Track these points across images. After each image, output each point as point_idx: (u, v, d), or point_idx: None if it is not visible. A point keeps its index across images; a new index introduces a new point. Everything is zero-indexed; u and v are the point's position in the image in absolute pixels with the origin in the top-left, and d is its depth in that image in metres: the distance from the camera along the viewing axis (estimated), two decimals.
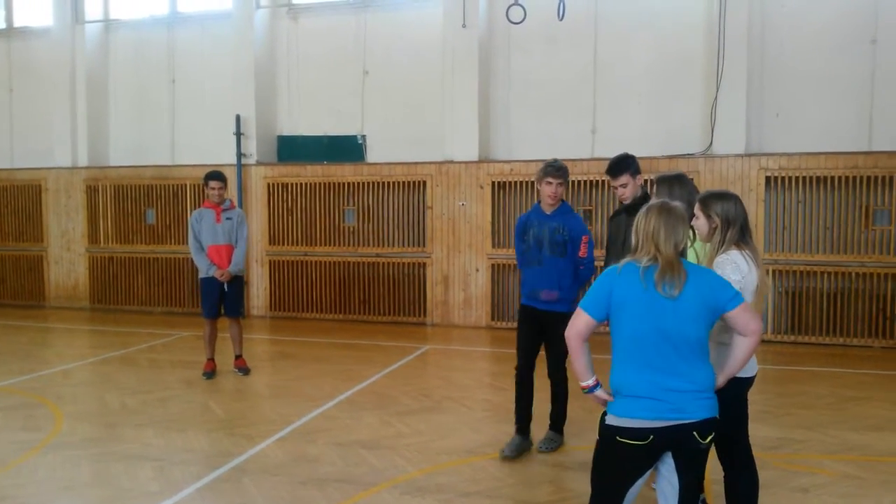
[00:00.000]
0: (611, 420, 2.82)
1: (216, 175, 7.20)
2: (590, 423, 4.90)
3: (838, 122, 9.26)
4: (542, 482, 4.40)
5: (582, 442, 5.07)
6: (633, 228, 2.88)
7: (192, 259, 7.36)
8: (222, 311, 7.30)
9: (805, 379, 7.29)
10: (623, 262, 2.88)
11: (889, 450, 5.08)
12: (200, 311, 7.41)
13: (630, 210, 4.71)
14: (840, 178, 8.85)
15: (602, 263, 4.46)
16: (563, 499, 4.25)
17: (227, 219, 7.16)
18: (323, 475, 4.63)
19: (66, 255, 12.31)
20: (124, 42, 12.40)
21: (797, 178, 9.01)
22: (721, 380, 3.02)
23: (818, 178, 8.89)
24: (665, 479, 2.88)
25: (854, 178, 8.81)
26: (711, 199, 3.33)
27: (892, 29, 9.10)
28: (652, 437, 2.73)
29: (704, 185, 9.26)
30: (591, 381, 2.92)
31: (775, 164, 9.08)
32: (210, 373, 7.22)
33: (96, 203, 12.09)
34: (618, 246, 4.69)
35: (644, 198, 4.76)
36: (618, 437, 2.78)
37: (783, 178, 9.05)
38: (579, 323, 2.87)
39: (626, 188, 4.70)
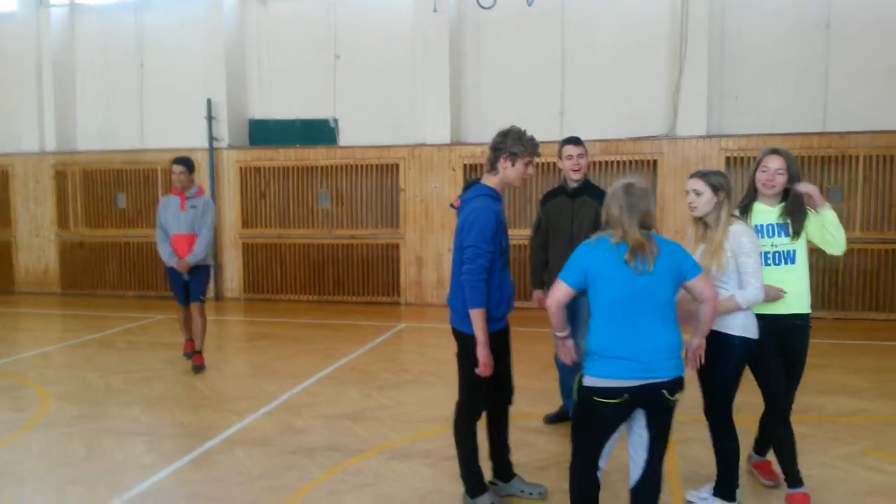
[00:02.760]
0: (588, 381, 3.05)
1: (180, 160, 6.85)
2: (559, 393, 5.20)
3: (794, 104, 9.69)
4: (521, 446, 4.67)
5: (555, 409, 5.35)
6: (603, 209, 3.12)
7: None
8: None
9: None
10: (595, 235, 3.13)
11: (839, 411, 5.48)
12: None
13: (573, 194, 4.90)
14: (795, 158, 9.25)
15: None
16: (539, 459, 4.55)
17: (192, 207, 6.81)
18: (311, 444, 4.85)
19: (36, 241, 12.23)
20: (91, 26, 12.27)
21: (755, 158, 9.37)
22: (697, 341, 3.36)
23: None
24: (636, 434, 3.17)
25: (809, 157, 9.25)
26: (713, 175, 3.60)
27: (844, 14, 9.53)
28: (626, 395, 2.99)
29: (668, 165, 9.62)
30: (566, 332, 3.34)
31: (735, 145, 9.48)
32: (190, 353, 7.12)
33: (65, 188, 12.02)
34: (564, 229, 4.83)
35: (587, 184, 4.95)
36: (595, 398, 3.03)
37: (742, 159, 9.44)
38: (558, 293, 3.13)
39: (583, 159, 4.88)
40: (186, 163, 6.84)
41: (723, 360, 3.54)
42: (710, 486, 3.81)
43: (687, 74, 9.61)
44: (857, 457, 4.54)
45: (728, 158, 9.48)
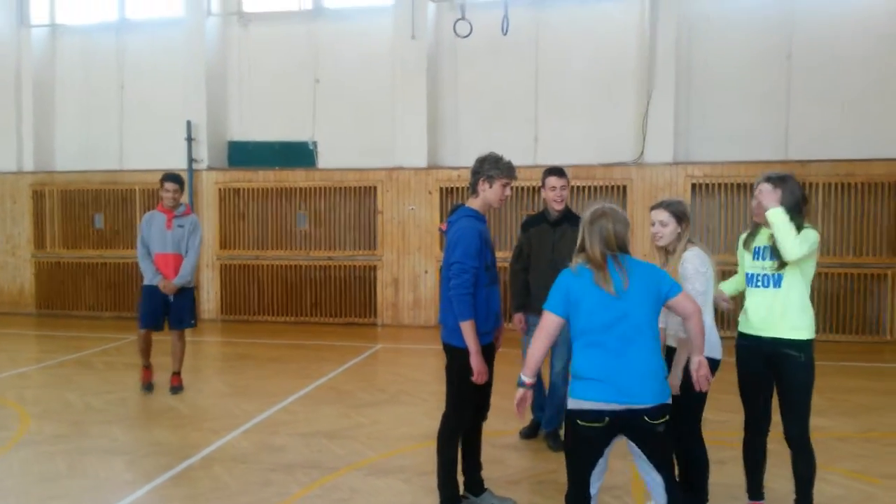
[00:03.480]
0: (571, 404, 3.07)
1: (172, 177, 6.67)
2: None
3: (757, 132, 10.09)
4: (493, 461, 4.83)
5: (517, 426, 5.53)
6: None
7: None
8: (165, 323, 6.78)
9: (727, 367, 7.97)
10: (576, 262, 3.18)
11: None
12: (137, 321, 6.81)
13: (555, 223, 5.13)
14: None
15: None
16: (510, 474, 4.72)
17: (179, 226, 6.65)
18: (290, 462, 4.98)
19: (11, 261, 12.20)
20: (71, 47, 12.39)
21: (720, 184, 9.79)
22: (696, 358, 3.35)
23: (739, 185, 9.66)
24: (637, 457, 3.16)
25: None
26: (676, 205, 3.80)
27: (805, 46, 9.99)
28: (607, 419, 2.99)
29: (637, 191, 9.94)
30: (532, 380, 3.23)
31: (700, 171, 9.84)
32: (149, 385, 6.81)
33: (43, 208, 12.05)
34: (545, 257, 5.03)
35: (568, 211, 5.18)
36: (578, 421, 3.05)
37: (707, 185, 9.81)
38: (546, 323, 3.16)
39: (565, 191, 5.13)
40: (178, 180, 6.69)
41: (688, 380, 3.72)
42: None
43: (654, 103, 9.97)
44: None
45: (694, 185, 9.83)
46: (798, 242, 3.49)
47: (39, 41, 12.24)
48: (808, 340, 3.69)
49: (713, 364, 3.64)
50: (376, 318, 11.03)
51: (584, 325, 3.08)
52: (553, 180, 5.10)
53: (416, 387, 7.17)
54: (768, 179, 3.72)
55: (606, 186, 10.16)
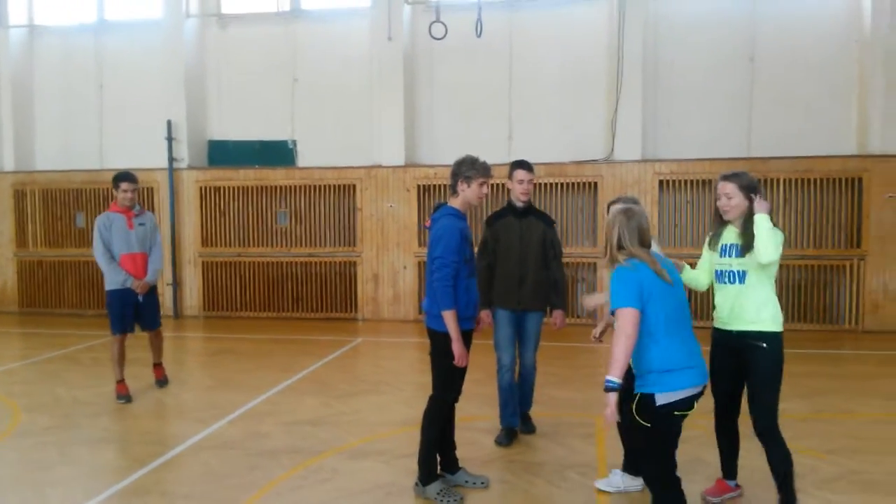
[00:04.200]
0: (665, 399, 3.14)
1: (127, 176, 6.48)
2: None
3: (721, 131, 10.52)
4: (468, 443, 5.13)
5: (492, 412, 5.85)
6: (611, 233, 3.34)
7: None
8: (137, 326, 6.70)
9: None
10: (625, 257, 3.25)
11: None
12: (110, 327, 6.61)
13: (521, 215, 5.31)
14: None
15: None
16: (484, 455, 5.02)
17: (140, 224, 6.55)
18: (274, 448, 5.25)
19: None
20: (50, 48, 12.48)
21: (686, 181, 10.19)
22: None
23: (704, 181, 10.06)
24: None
25: None
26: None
27: (767, 49, 10.42)
28: (696, 403, 3.22)
29: (608, 187, 10.30)
30: (621, 381, 3.13)
31: (667, 169, 10.23)
32: (126, 396, 6.52)
33: (24, 207, 12.14)
34: (513, 247, 5.21)
35: (531, 206, 5.40)
36: (675, 412, 3.17)
37: (674, 182, 10.20)
38: (631, 319, 3.11)
39: (531, 185, 5.31)
40: (135, 180, 6.56)
41: None
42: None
43: (623, 103, 10.33)
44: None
45: (661, 182, 10.23)
46: (774, 248, 3.66)
47: (18, 42, 12.32)
48: (774, 333, 3.85)
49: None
50: (357, 312, 11.30)
51: (662, 315, 3.17)
52: (521, 174, 5.25)
53: (396, 377, 7.46)
54: (726, 178, 3.98)
55: (578, 183, 10.52)
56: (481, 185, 4.28)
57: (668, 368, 3.15)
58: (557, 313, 5.37)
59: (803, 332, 9.84)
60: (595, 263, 10.48)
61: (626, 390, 3.23)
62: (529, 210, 5.38)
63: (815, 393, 6.69)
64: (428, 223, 4.39)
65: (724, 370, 4.02)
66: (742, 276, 3.86)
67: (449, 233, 4.14)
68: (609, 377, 3.11)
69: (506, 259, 5.27)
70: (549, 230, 5.36)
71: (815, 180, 9.94)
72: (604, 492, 4.36)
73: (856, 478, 4.59)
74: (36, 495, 4.41)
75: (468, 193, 4.28)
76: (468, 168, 4.26)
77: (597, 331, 4.71)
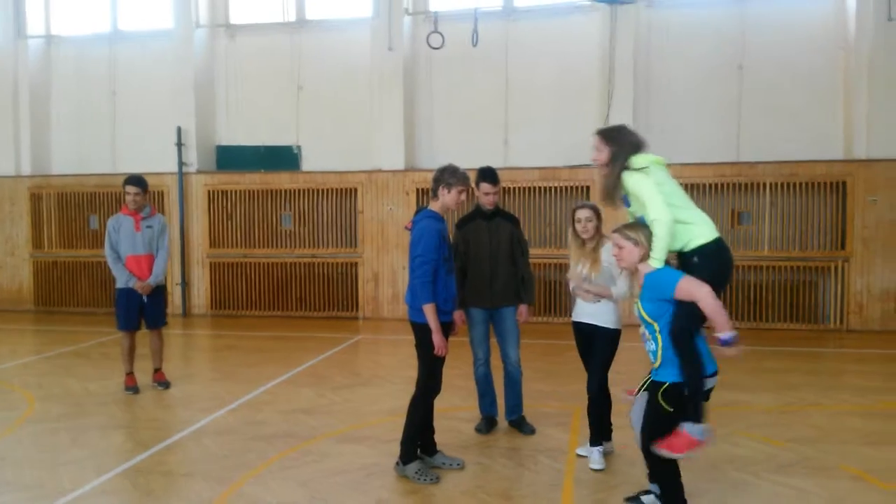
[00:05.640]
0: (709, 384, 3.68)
1: (133, 180, 6.73)
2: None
3: (711, 137, 10.83)
4: (448, 430, 5.50)
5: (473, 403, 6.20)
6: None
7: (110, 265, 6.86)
8: (142, 323, 6.95)
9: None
10: (658, 262, 3.74)
11: (721, 402, 6.43)
12: (116, 323, 6.95)
13: (489, 217, 5.58)
14: (711, 184, 10.40)
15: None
16: (462, 440, 5.39)
17: (148, 227, 6.78)
18: (269, 433, 5.64)
19: (10, 260, 12.80)
20: (66, 57, 12.99)
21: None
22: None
23: (693, 185, 10.36)
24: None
25: (722, 184, 10.36)
26: (596, 208, 4.71)
27: (756, 57, 10.74)
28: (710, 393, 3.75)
29: (597, 191, 10.61)
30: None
31: None
32: (134, 387, 6.89)
33: (40, 210, 12.65)
34: (483, 247, 5.48)
35: (498, 208, 5.67)
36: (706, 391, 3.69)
37: None
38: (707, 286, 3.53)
39: (497, 195, 5.58)
40: (141, 183, 6.76)
41: (604, 346, 4.69)
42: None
43: (615, 110, 10.68)
44: (727, 436, 5.46)
45: None
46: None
47: (36, 51, 12.85)
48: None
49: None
50: (358, 311, 11.71)
51: (700, 313, 3.54)
52: (486, 187, 5.47)
53: (389, 372, 7.84)
54: (599, 133, 4.21)
55: (571, 187, 10.86)
56: (460, 192, 4.63)
57: (703, 354, 3.59)
58: (523, 307, 5.61)
59: (789, 331, 10.13)
60: None
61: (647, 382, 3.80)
62: (497, 212, 5.66)
63: (786, 387, 6.99)
64: (409, 225, 4.76)
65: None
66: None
67: (429, 233, 4.51)
68: (723, 336, 3.49)
69: (477, 259, 5.52)
70: (515, 230, 5.67)
71: (801, 184, 10.23)
72: (569, 473, 4.73)
73: (810, 464, 4.90)
74: (50, 474, 4.81)
75: (447, 199, 4.64)
76: (450, 175, 4.62)
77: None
